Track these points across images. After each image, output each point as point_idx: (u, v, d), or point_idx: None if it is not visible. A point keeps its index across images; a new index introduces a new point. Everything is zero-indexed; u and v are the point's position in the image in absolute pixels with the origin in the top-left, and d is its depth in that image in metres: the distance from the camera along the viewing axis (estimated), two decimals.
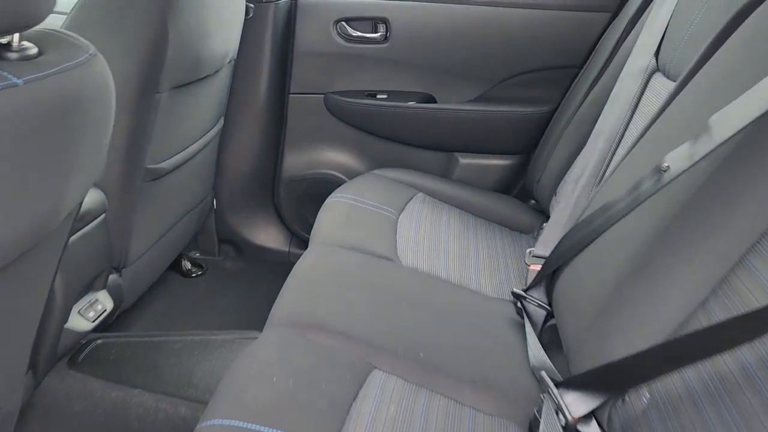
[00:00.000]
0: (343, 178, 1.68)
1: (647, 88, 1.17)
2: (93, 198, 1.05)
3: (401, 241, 1.21)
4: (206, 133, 1.42)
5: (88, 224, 1.02)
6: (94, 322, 1.08)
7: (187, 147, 1.32)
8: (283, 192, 1.72)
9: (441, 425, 0.77)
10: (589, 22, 1.48)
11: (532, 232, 1.45)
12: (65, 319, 1.02)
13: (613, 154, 1.18)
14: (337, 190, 1.38)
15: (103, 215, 1.09)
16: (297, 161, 1.69)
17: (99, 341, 1.13)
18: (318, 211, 1.32)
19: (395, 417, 0.76)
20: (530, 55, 1.54)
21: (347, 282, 1.03)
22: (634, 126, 1.16)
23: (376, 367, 0.84)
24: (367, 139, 1.65)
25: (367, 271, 1.07)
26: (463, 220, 1.38)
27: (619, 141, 1.17)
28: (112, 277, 1.19)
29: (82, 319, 1.06)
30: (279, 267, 1.76)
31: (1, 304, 0.64)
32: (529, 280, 1.13)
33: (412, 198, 1.41)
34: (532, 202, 1.57)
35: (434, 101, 1.61)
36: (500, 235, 1.38)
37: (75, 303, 1.04)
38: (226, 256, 1.79)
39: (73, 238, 0.98)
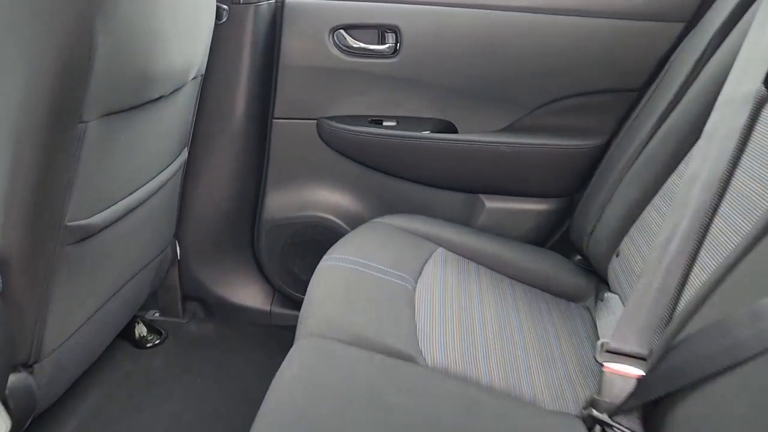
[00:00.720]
0: (339, 223, 1.36)
1: (758, 121, 0.86)
2: None
3: (423, 326, 0.89)
4: (163, 171, 1.08)
5: None
6: None
7: (133, 192, 0.99)
8: (264, 239, 1.39)
9: None
10: (655, 35, 1.17)
11: (582, 300, 1.13)
12: None
13: (716, 208, 0.86)
14: (334, 248, 1.06)
15: None
16: (282, 202, 1.36)
17: None
18: (307, 262, 1.00)
19: None
20: (576, 75, 1.22)
21: (351, 405, 0.69)
22: (744, 171, 0.85)
23: None
24: (369, 176, 1.33)
25: (380, 382, 0.74)
26: (498, 287, 1.06)
27: (724, 190, 0.86)
28: (16, 377, 0.85)
29: None
30: (259, 331, 1.43)
31: None
32: (605, 388, 0.80)
33: (430, 256, 1.08)
34: (578, 257, 1.25)
35: (454, 130, 1.29)
36: (546, 306, 1.06)
37: None
38: (193, 318, 1.45)
39: None
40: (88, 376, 1.19)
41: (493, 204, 1.29)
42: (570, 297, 1.13)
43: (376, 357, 0.79)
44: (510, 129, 1.28)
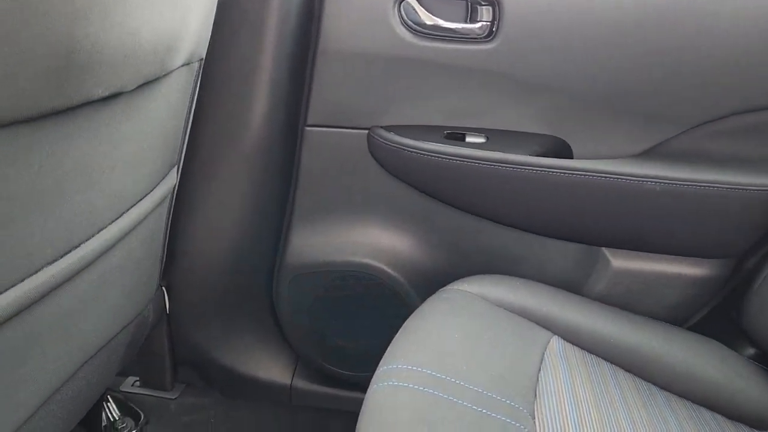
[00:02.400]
0: (391, 274, 0.96)
1: None
2: None
3: None
4: (132, 207, 0.70)
5: None
6: None
7: (78, 245, 0.60)
8: (285, 291, 1.00)
9: None
10: None
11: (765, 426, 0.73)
12: None
13: None
14: (395, 346, 0.67)
15: None
16: (312, 242, 0.97)
17: None
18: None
19: None
20: (763, 80, 0.81)
21: None
22: None
23: None
24: (439, 213, 0.93)
25: None
26: (653, 410, 0.66)
27: None
28: None
29: None
30: (276, 412, 1.05)
31: None
32: None
33: (544, 355, 0.69)
34: (750, 350, 0.84)
35: (570, 154, 0.88)
36: None
37: None
38: (187, 390, 1.07)
39: None
40: None
41: (621, 263, 0.88)
42: (755, 423, 0.73)
43: None
44: (653, 155, 0.86)
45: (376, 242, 0.96)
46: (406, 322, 0.72)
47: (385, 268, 0.96)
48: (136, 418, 0.98)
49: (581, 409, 0.62)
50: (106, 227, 0.65)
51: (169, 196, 0.82)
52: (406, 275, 0.97)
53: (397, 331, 1.00)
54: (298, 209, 0.96)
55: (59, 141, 0.51)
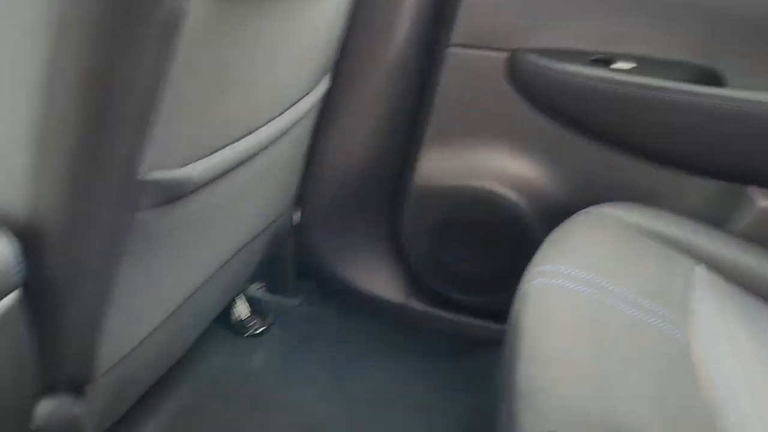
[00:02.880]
0: (519, 203, 0.97)
1: None
2: None
3: (727, 413, 0.49)
4: (294, 104, 0.73)
5: None
6: None
7: (249, 133, 0.64)
8: (409, 211, 1.03)
9: None
10: None
11: None
12: None
13: None
14: (544, 252, 0.68)
15: (17, 294, 0.43)
16: (442, 164, 0.99)
17: None
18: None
19: None
20: None
21: None
22: None
23: None
24: (575, 141, 0.92)
25: None
26: None
27: None
28: (52, 404, 0.54)
29: None
30: (388, 328, 1.09)
31: None
32: None
33: (690, 279, 0.68)
34: None
35: (721, 83, 0.85)
36: None
37: None
38: (305, 301, 1.13)
39: None
40: (171, 373, 0.89)
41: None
42: None
43: None
44: None
45: (505, 168, 0.97)
46: (550, 235, 0.73)
47: (512, 195, 0.97)
48: (262, 318, 1.05)
49: (733, 329, 0.61)
50: (271, 121, 0.69)
51: (318, 103, 0.85)
52: (531, 204, 0.97)
53: (516, 259, 1.01)
54: (430, 130, 0.97)
55: (259, 21, 0.54)
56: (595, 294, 0.59)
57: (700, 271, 0.70)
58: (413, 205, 1.02)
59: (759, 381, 0.54)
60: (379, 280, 1.09)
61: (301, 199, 1.02)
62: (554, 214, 0.93)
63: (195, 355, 0.94)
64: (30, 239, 0.44)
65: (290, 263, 1.09)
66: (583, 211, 0.79)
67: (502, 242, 1.00)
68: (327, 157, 0.98)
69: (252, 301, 1.07)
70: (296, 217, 1.03)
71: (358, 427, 0.88)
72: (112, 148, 0.45)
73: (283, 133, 0.73)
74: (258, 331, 1.02)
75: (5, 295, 0.42)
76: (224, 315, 1.03)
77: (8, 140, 0.43)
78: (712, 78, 0.85)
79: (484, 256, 1.02)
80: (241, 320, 1.03)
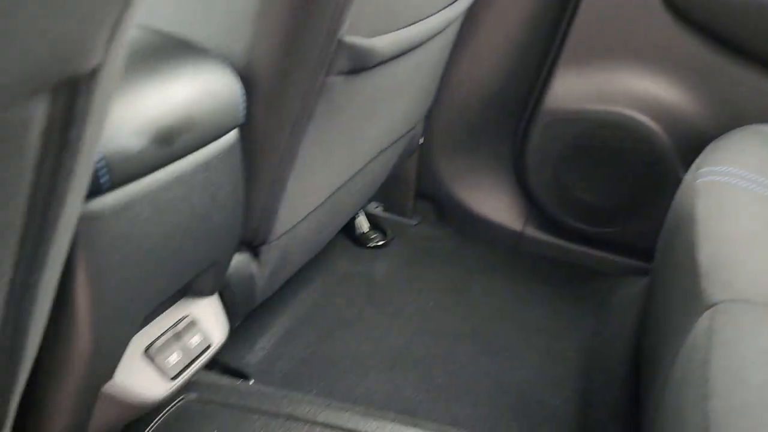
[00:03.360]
0: (657, 130, 0.94)
1: None
2: (218, 91, 0.43)
3: None
4: (439, 11, 0.74)
5: (188, 152, 0.40)
6: (176, 377, 0.47)
7: (419, 20, 0.65)
8: (536, 135, 1.02)
9: None
10: None
11: None
12: (104, 375, 0.42)
13: None
14: (704, 157, 0.66)
15: (235, 134, 0.46)
16: (576, 87, 0.98)
17: (191, 398, 0.54)
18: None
19: None
20: None
21: None
22: None
23: None
24: (723, 66, 0.89)
25: None
26: None
27: None
28: (240, 260, 0.58)
29: (149, 370, 0.46)
30: (504, 254, 1.10)
31: None
32: None
33: None
34: None
35: None
36: None
37: (137, 331, 0.44)
38: (423, 220, 1.15)
39: (142, 182, 0.37)
40: (303, 272, 0.94)
41: None
42: None
43: None
44: None
45: (645, 92, 0.94)
46: (709, 146, 0.71)
47: (649, 121, 0.95)
48: (383, 233, 1.08)
49: None
50: (439, 12, 0.70)
51: (462, 15, 0.85)
52: (669, 131, 0.94)
53: (647, 190, 0.99)
54: (567, 50, 0.96)
55: None
56: (764, 191, 0.58)
57: None
58: (541, 129, 1.01)
59: None
60: (498, 206, 1.10)
61: (428, 119, 1.03)
62: (692, 143, 0.91)
63: (324, 259, 0.98)
64: (246, 84, 0.47)
65: (412, 183, 1.11)
66: (738, 129, 0.77)
67: (634, 171, 0.98)
68: (457, 78, 0.99)
69: (371, 218, 1.10)
70: (421, 139, 1.05)
71: (478, 337, 0.90)
72: (324, 2, 0.47)
73: (439, 32, 0.74)
74: (379, 244, 1.05)
75: (230, 130, 0.45)
76: (348, 229, 1.06)
77: None
78: None
79: (613, 185, 1.01)
80: (363, 233, 1.06)
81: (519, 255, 1.10)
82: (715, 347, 0.41)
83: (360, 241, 1.05)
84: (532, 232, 1.10)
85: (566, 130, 1.00)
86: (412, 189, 1.12)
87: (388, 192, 1.14)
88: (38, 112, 0.17)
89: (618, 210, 1.02)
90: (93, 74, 0.18)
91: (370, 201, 1.15)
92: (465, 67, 1.00)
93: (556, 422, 0.76)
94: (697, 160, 0.68)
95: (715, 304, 0.44)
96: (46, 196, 0.21)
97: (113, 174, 0.35)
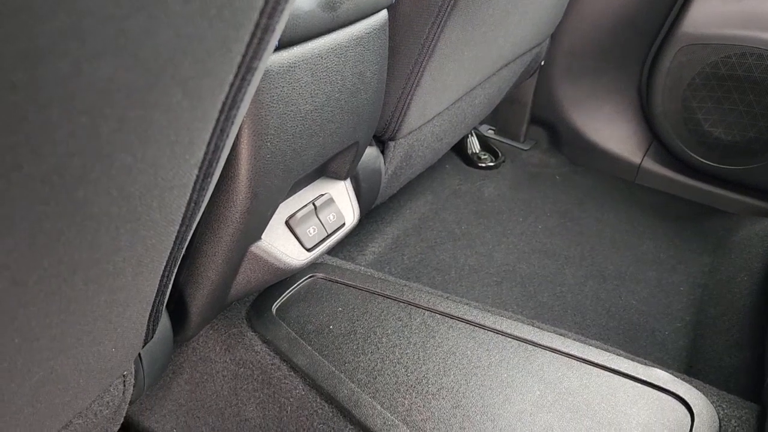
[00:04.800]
0: None
1: None
2: None
3: None
4: None
5: (347, 23, 0.41)
6: (312, 249, 0.50)
7: None
8: (667, 63, 0.96)
9: None
10: None
11: None
12: (254, 235, 0.45)
13: None
14: None
15: (385, 14, 0.47)
16: (717, 11, 0.91)
17: (318, 277, 0.57)
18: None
19: None
20: None
21: None
22: None
23: None
24: None
25: None
26: None
27: None
28: (371, 152, 0.60)
29: (290, 239, 0.49)
30: (620, 186, 1.06)
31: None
32: None
33: None
34: None
35: None
36: None
37: (281, 201, 0.47)
38: (535, 146, 1.13)
39: (306, 45, 0.38)
40: (415, 186, 0.95)
41: None
42: None
43: None
44: None
45: None
46: None
47: None
48: (495, 155, 1.07)
49: None
50: None
51: None
52: None
53: None
54: None
55: None
56: None
57: None
58: (675, 54, 0.95)
59: None
60: (617, 135, 1.06)
61: (553, 40, 0.99)
62: None
63: (435, 175, 0.99)
64: None
65: (527, 109, 1.08)
66: None
67: None
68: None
69: (482, 141, 1.09)
70: (542, 61, 1.01)
71: (587, 262, 0.88)
72: None
73: None
74: (490, 165, 1.05)
75: (382, 9, 0.46)
76: (460, 149, 1.06)
77: None
78: None
79: (748, 120, 0.94)
80: (475, 152, 1.06)
81: (635, 188, 1.06)
82: None
83: (471, 161, 1.05)
84: (651, 165, 1.05)
85: (703, 57, 0.93)
86: (527, 113, 1.09)
87: (501, 115, 1.12)
88: None
89: (749, 147, 0.96)
90: None
91: (482, 123, 1.14)
92: None
93: (665, 350, 0.74)
94: None
95: None
96: (253, 46, 0.22)
97: (283, 33, 0.36)
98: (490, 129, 1.14)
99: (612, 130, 1.06)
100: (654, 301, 0.83)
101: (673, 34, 0.95)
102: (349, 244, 0.84)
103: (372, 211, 0.89)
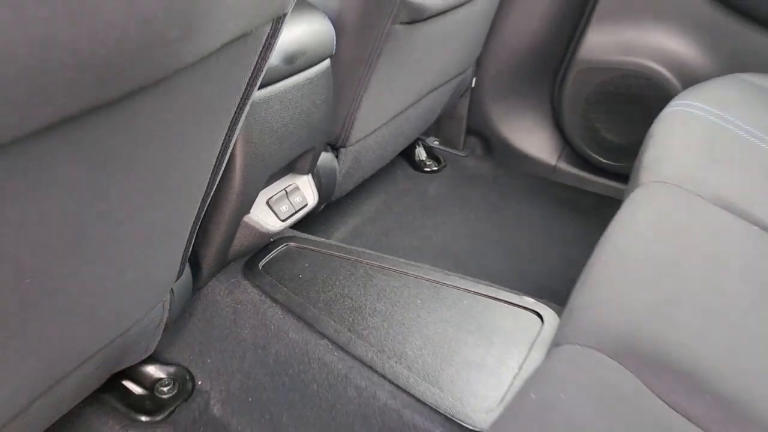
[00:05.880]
0: (669, 77, 1.12)
1: None
2: (316, 30, 0.66)
3: None
4: None
5: (298, 71, 0.64)
6: (285, 220, 0.73)
7: None
8: (570, 82, 1.21)
9: None
10: None
11: None
12: (245, 209, 0.68)
13: None
14: (682, 95, 0.85)
15: (327, 63, 0.70)
16: (604, 41, 1.16)
17: (292, 245, 0.79)
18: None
19: None
20: None
21: (709, 272, 0.54)
22: None
23: None
24: (726, 23, 1.05)
25: (753, 255, 0.57)
26: None
27: None
28: (326, 157, 0.82)
29: (269, 215, 0.72)
30: (539, 184, 1.30)
31: (137, 157, 0.32)
32: None
33: None
34: None
35: None
36: None
37: (262, 188, 0.70)
38: (471, 153, 1.37)
39: (270, 89, 0.61)
40: (368, 183, 1.18)
41: None
42: None
43: (751, 228, 0.60)
44: None
45: (660, 46, 1.12)
46: (691, 88, 0.89)
47: (664, 71, 1.12)
48: (438, 161, 1.31)
49: None
50: None
51: None
52: (680, 80, 1.11)
53: None
54: (598, 11, 1.14)
55: None
56: (719, 122, 0.77)
57: None
58: (575, 77, 1.20)
59: None
60: (536, 142, 1.30)
61: (478, 64, 1.24)
62: None
63: (388, 178, 1.22)
64: (336, 28, 0.71)
65: (463, 122, 1.33)
66: (723, 76, 0.94)
67: (649, 114, 1.16)
68: (504, 29, 1.19)
69: (428, 150, 1.33)
70: (473, 79, 1.25)
71: (508, 243, 1.12)
72: None
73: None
74: (434, 169, 1.28)
75: (326, 59, 0.69)
76: (409, 157, 1.30)
77: None
78: None
79: (633, 126, 1.19)
80: (421, 160, 1.29)
81: (551, 184, 1.30)
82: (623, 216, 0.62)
83: (418, 166, 1.29)
84: (564, 166, 1.29)
85: (595, 78, 1.18)
86: (464, 126, 1.34)
87: (443, 128, 1.36)
88: (266, 32, 0.41)
89: (633, 148, 1.20)
90: (284, 16, 0.42)
91: (428, 135, 1.38)
92: (512, 21, 1.20)
93: (543, 290, 0.98)
94: (679, 96, 0.86)
95: (642, 184, 0.65)
96: (247, 92, 0.45)
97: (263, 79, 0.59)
98: (435, 140, 1.38)
99: (532, 138, 1.31)
100: (558, 271, 1.07)
101: (572, 60, 1.20)
102: (317, 232, 1.06)
103: (336, 204, 1.11)
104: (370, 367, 0.65)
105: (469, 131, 1.35)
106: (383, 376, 0.64)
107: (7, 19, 0.20)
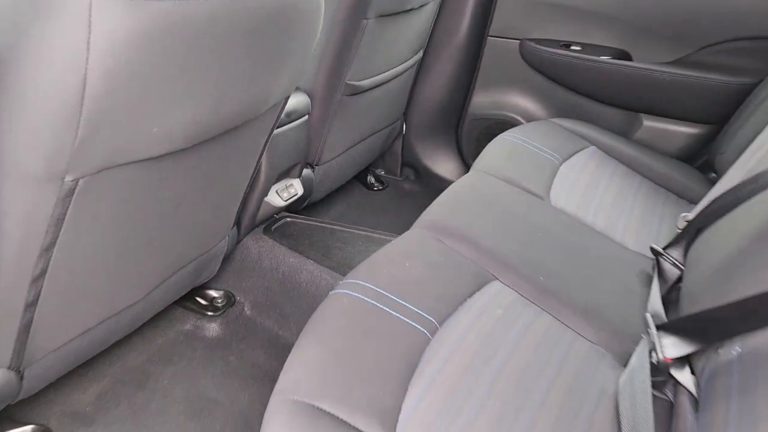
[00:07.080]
0: (522, 122, 1.76)
1: None
2: (299, 100, 1.28)
3: (557, 185, 1.28)
4: (404, 62, 1.58)
5: (293, 121, 1.26)
6: (286, 201, 1.33)
7: (385, 71, 1.50)
8: (466, 128, 1.85)
9: (539, 338, 0.85)
10: None
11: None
12: (265, 193, 1.27)
13: None
14: (512, 129, 1.48)
15: (306, 117, 1.31)
16: (484, 101, 1.80)
17: (288, 219, 1.39)
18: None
19: (500, 317, 0.87)
20: (750, 20, 1.45)
21: (492, 205, 1.14)
22: None
23: (496, 278, 0.95)
24: (553, 89, 1.70)
25: (514, 201, 1.18)
26: (628, 178, 1.40)
27: None
28: (306, 171, 1.43)
29: (277, 197, 1.31)
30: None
31: (221, 164, 0.89)
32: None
33: (582, 149, 1.45)
34: (712, 175, 1.52)
35: (629, 58, 1.60)
36: (664, 199, 1.38)
37: (274, 183, 1.30)
38: (406, 178, 1.99)
39: (279, 129, 1.22)
40: (337, 196, 1.79)
41: (650, 123, 1.60)
42: (693, 201, 1.43)
43: (516, 190, 1.22)
44: (678, 62, 1.55)
45: (518, 103, 1.76)
46: (521, 126, 1.53)
47: (519, 118, 1.76)
48: (382, 184, 1.92)
49: (585, 169, 1.38)
50: (397, 66, 1.54)
51: (417, 64, 1.69)
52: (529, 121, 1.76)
53: None
54: (479, 81, 1.79)
55: (391, 26, 1.39)
56: (524, 143, 1.39)
57: (590, 148, 1.47)
58: (468, 124, 1.84)
59: (583, 179, 1.33)
60: (447, 167, 1.93)
61: (405, 117, 1.87)
62: None
63: (348, 194, 1.83)
64: (310, 98, 1.33)
65: (399, 156, 1.95)
66: (543, 120, 1.58)
67: None
68: (421, 93, 1.83)
69: (376, 176, 1.94)
70: (403, 127, 1.89)
71: None
72: (341, 70, 1.33)
73: (401, 73, 1.59)
74: (380, 188, 1.90)
75: (305, 115, 1.30)
76: (363, 180, 1.91)
77: None
78: (625, 55, 1.60)
79: None
80: (371, 182, 1.91)
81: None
82: None
83: (369, 187, 1.90)
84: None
85: (481, 124, 1.82)
86: (400, 159, 1.96)
87: (386, 161, 1.99)
88: (282, 101, 1.02)
89: None
90: (290, 94, 1.03)
91: (376, 167, 2.00)
92: (426, 87, 1.83)
93: None
94: (510, 130, 1.49)
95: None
96: (272, 131, 1.06)
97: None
98: (380, 170, 2.00)
99: (445, 166, 1.93)
100: None
101: (466, 112, 1.84)
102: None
103: (313, 207, 1.71)
104: (341, 274, 1.25)
105: (404, 163, 1.97)
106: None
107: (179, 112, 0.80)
